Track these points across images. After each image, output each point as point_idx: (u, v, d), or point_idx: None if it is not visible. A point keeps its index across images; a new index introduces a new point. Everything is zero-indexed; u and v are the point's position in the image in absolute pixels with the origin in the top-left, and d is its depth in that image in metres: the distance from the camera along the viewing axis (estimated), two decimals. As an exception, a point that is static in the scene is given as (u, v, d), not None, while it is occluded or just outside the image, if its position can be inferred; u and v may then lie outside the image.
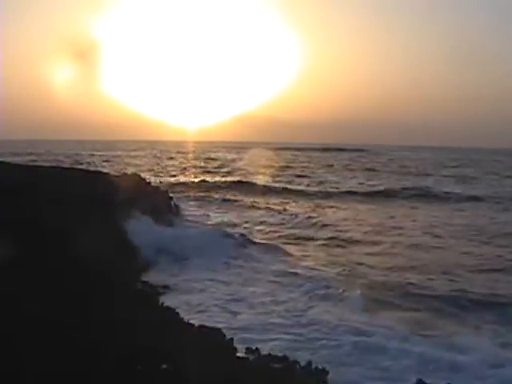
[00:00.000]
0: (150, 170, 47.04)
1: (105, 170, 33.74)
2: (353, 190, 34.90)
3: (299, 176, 45.36)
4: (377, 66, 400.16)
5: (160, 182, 33.69)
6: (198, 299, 10.99)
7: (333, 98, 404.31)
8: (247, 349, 7.90)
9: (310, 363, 7.34)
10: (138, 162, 56.50)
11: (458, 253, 16.67)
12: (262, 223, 22.55)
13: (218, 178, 42.17)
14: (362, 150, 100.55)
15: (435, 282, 13.03)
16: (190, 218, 23.79)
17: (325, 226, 21.57)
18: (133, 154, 75.81)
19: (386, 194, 32.80)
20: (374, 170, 53.21)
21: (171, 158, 67.03)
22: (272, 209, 26.63)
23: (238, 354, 7.38)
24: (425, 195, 32.26)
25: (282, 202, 28.94)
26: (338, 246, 18.04)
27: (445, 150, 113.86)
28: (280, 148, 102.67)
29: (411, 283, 12.78)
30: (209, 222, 23.05)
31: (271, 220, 23.35)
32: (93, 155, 67.81)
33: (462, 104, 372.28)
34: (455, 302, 11.25)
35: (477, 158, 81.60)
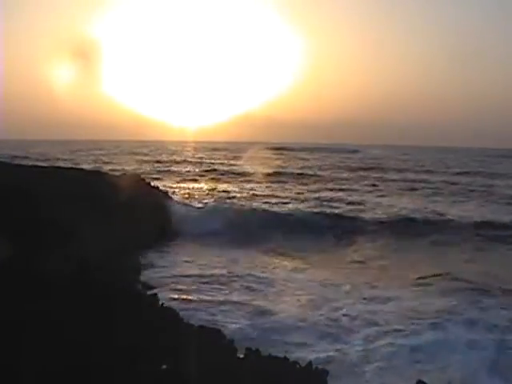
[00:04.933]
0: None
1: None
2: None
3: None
4: (379, 65, 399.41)
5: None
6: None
7: (335, 97, 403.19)
8: (247, 349, 7.89)
9: (310, 363, 7.34)
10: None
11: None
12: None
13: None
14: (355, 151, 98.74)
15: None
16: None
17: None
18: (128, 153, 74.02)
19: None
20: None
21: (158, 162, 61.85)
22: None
23: (238, 354, 7.37)
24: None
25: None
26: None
27: (449, 151, 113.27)
28: (279, 148, 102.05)
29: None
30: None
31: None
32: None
33: (467, 103, 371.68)
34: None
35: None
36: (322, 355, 9.35)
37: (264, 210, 26.27)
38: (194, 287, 13.24)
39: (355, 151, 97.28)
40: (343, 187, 38.03)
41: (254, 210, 26.34)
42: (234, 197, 32.14)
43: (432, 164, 65.49)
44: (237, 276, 14.53)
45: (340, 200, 30.98)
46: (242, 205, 27.66)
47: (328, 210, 26.72)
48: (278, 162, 61.73)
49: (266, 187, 37.53)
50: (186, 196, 31.88)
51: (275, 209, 27.03)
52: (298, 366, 7.32)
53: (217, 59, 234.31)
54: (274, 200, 30.45)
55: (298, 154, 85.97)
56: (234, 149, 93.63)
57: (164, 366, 6.18)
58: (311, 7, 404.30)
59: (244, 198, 31.66)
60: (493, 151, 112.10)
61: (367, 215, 25.71)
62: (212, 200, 29.48)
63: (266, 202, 29.39)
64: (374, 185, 39.76)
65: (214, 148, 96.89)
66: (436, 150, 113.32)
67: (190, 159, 67.18)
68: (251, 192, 34.71)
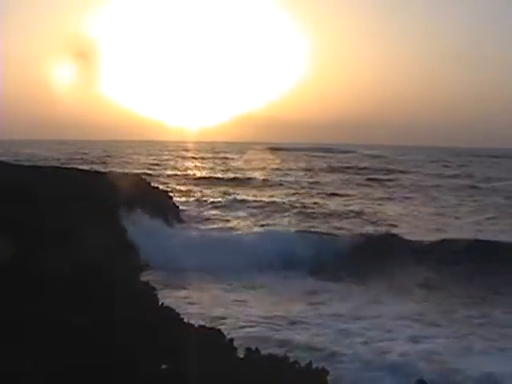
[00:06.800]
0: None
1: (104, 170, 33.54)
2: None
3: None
4: (385, 65, 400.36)
5: None
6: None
7: (339, 98, 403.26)
8: (247, 349, 7.89)
9: (310, 363, 7.34)
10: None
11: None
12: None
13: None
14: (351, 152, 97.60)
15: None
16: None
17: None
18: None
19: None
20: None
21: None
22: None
23: (238, 354, 7.37)
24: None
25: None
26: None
27: (450, 151, 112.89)
28: (277, 148, 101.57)
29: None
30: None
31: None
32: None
33: (474, 104, 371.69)
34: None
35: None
36: None
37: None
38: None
39: (352, 152, 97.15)
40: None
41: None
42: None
43: (416, 165, 65.09)
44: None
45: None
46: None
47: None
48: (273, 165, 60.45)
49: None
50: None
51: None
52: (297, 365, 7.32)
53: (219, 59, 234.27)
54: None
55: (293, 154, 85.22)
56: (226, 150, 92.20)
57: (164, 366, 6.19)
58: (316, 7, 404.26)
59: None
60: (501, 151, 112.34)
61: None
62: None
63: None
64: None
65: (207, 149, 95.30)
66: (441, 151, 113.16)
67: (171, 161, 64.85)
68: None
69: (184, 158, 72.19)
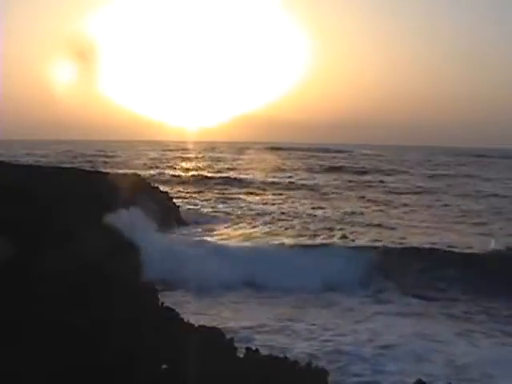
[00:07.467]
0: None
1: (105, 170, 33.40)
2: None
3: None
4: (385, 65, 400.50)
5: None
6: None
7: (339, 98, 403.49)
8: (247, 349, 7.89)
9: (310, 363, 7.34)
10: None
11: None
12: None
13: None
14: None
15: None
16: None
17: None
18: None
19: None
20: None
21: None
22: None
23: (238, 354, 7.37)
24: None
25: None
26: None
27: (453, 151, 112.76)
28: (279, 148, 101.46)
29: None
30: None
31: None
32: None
33: (475, 104, 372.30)
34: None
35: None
36: None
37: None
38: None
39: (352, 151, 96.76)
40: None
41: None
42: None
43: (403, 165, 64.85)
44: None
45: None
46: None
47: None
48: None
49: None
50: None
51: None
52: (297, 365, 7.31)
53: (219, 59, 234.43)
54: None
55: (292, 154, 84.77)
56: (226, 150, 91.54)
57: (164, 366, 6.19)
58: (315, 7, 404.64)
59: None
60: (501, 151, 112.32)
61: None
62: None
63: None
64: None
65: (207, 149, 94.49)
66: (441, 151, 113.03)
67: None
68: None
69: (184, 157, 71.96)
